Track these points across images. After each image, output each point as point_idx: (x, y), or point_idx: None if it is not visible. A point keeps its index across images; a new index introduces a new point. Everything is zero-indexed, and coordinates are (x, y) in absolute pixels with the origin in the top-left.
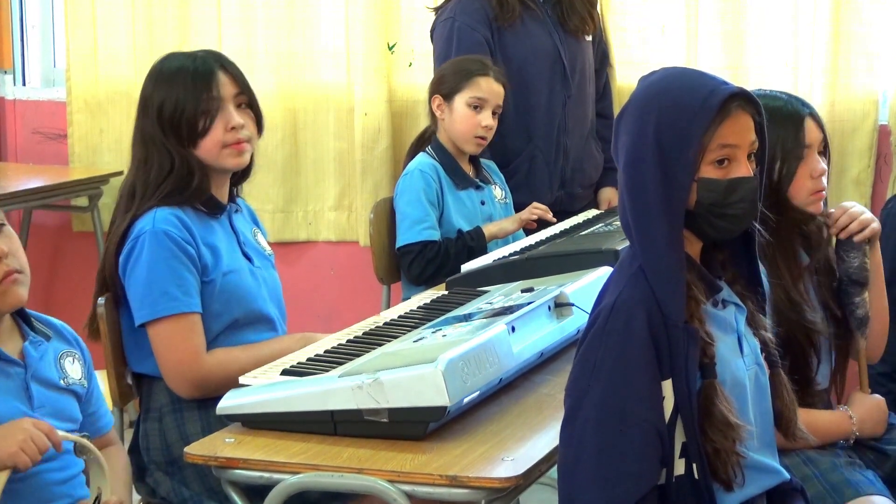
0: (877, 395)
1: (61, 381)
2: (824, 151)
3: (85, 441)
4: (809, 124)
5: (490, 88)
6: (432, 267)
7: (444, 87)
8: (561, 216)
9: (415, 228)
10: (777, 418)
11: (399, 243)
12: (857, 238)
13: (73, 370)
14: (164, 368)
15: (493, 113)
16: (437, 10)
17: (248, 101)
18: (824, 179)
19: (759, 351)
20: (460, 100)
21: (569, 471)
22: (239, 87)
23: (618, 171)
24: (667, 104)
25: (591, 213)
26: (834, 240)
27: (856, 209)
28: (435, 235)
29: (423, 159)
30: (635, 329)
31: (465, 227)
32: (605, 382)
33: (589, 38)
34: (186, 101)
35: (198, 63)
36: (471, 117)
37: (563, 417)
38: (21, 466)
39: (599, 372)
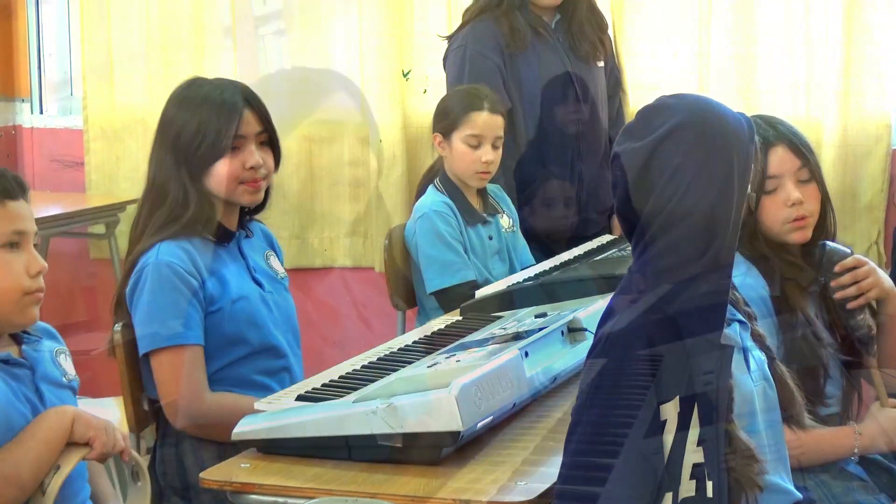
0: None
1: (63, 378)
2: (811, 178)
3: (144, 467)
4: (780, 153)
5: (486, 123)
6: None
7: (441, 125)
8: (576, 242)
9: (447, 272)
10: (780, 408)
11: (432, 288)
12: (850, 305)
13: (69, 366)
14: (164, 400)
15: (494, 146)
16: (449, 38)
17: (268, 138)
18: (808, 206)
19: (765, 366)
20: (457, 137)
21: (561, 488)
22: (262, 125)
23: (661, 188)
24: (732, 132)
25: (605, 238)
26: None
27: (863, 270)
28: (471, 276)
29: (434, 197)
30: (632, 359)
31: (476, 264)
32: (598, 410)
33: (601, 64)
34: (207, 132)
35: (225, 96)
36: (469, 154)
37: (566, 437)
38: (97, 449)
39: (594, 399)
